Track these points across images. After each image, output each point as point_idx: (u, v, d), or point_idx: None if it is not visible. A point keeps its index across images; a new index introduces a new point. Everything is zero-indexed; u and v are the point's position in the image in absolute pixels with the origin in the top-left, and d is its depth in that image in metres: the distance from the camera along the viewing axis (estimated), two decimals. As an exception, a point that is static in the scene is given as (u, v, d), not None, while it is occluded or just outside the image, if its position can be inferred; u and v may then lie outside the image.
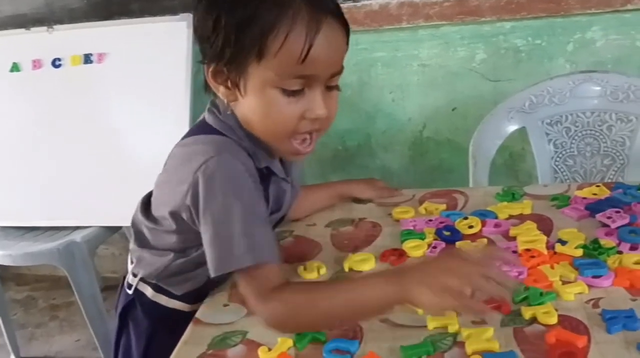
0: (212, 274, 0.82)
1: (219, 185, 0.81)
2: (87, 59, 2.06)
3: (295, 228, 1.15)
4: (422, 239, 1.03)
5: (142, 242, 1.00)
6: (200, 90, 2.03)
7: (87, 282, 1.97)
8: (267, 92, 0.82)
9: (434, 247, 1.01)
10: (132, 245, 1.03)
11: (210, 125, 0.89)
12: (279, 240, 1.11)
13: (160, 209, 0.93)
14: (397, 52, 1.95)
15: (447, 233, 1.04)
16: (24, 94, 2.11)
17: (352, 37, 1.91)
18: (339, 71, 0.85)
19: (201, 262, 0.86)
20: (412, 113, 2.00)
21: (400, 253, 1.01)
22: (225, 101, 0.87)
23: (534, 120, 1.68)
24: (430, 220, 1.09)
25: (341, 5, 1.87)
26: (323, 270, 0.99)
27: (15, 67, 2.11)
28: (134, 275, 1.03)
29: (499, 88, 1.90)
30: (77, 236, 1.96)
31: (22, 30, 2.16)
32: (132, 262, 1.04)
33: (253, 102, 0.83)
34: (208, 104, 0.93)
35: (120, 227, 2.10)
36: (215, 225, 0.81)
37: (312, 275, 0.98)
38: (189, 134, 0.92)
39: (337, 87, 0.87)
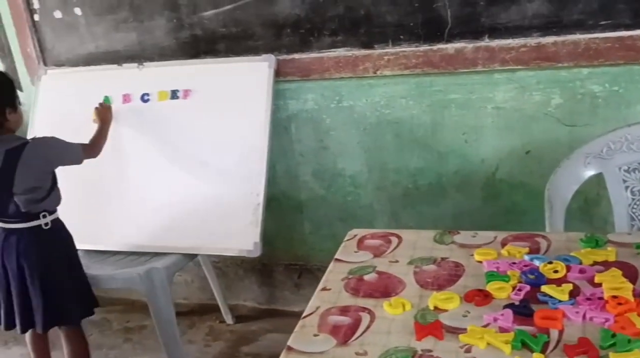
0: None
1: None
2: (174, 94, 2.19)
3: (378, 264, 1.19)
4: (507, 281, 1.05)
5: None
6: (278, 128, 2.14)
7: (165, 307, 2.04)
8: None
9: (519, 290, 1.03)
10: None
11: None
12: (362, 275, 1.16)
13: None
14: (472, 95, 1.98)
15: (531, 276, 1.06)
16: (113, 125, 2.24)
17: (426, 78, 1.99)
18: None
19: None
20: (486, 155, 2.02)
21: (486, 295, 1.03)
22: None
23: (611, 167, 1.67)
24: (514, 263, 1.11)
25: (418, 48, 1.94)
26: (408, 307, 1.03)
27: (106, 100, 2.26)
28: None
29: (575, 133, 1.90)
30: (158, 262, 2.04)
31: (115, 66, 2.31)
32: None
33: None
34: None
35: (196, 255, 2.19)
36: None
37: (397, 311, 1.02)
38: None
39: None
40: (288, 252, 2.43)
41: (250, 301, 2.59)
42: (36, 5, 2.38)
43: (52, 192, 1.88)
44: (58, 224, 1.92)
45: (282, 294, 2.53)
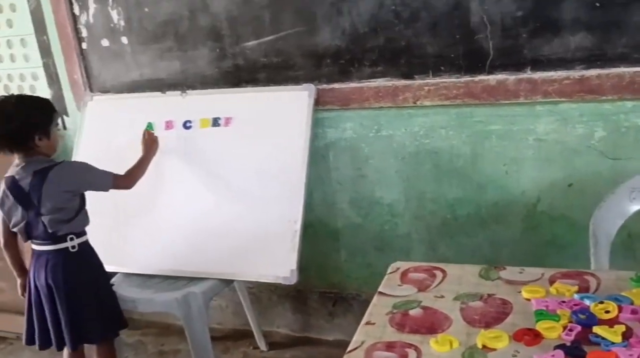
0: None
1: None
2: (215, 122, 2.22)
3: (423, 299, 1.19)
4: (557, 321, 1.04)
5: None
6: (316, 156, 2.15)
7: (200, 332, 2.06)
8: None
9: (570, 330, 1.01)
10: None
11: None
12: (407, 310, 1.15)
13: None
14: (513, 126, 1.97)
15: (582, 316, 1.04)
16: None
17: (467, 109, 1.99)
18: None
19: None
20: (526, 186, 2.00)
21: (535, 334, 1.02)
22: None
23: (657, 202, 1.65)
24: (564, 302, 1.10)
25: (459, 79, 1.95)
26: (456, 344, 1.02)
27: (149, 127, 2.31)
28: None
29: (619, 166, 1.87)
30: (195, 287, 2.07)
31: (159, 93, 2.36)
32: None
33: None
34: None
35: (232, 281, 2.20)
36: None
37: (444, 348, 1.01)
38: None
39: None
40: (323, 279, 2.43)
41: (283, 328, 2.58)
42: (84, 34, 2.45)
43: (79, 214, 1.93)
44: (86, 248, 1.97)
45: (316, 322, 2.52)
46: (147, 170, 2.12)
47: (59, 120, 2.47)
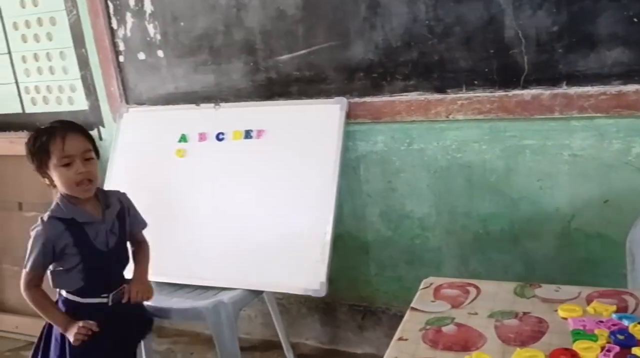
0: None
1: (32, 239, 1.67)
2: (248, 134, 2.25)
3: (457, 316, 1.18)
4: (594, 341, 1.02)
5: None
6: (347, 169, 2.16)
7: (230, 342, 2.07)
8: (56, 170, 1.65)
9: (608, 350, 0.99)
10: None
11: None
12: (440, 326, 1.14)
13: None
14: (547, 141, 1.95)
15: (621, 337, 1.02)
16: (188, 162, 2.32)
17: (500, 124, 1.98)
18: (86, 151, 1.68)
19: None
20: (561, 203, 1.98)
21: (572, 354, 1.00)
22: (51, 187, 1.71)
23: (697, 220, 1.61)
24: (601, 322, 1.08)
25: (492, 94, 1.94)
26: (491, 363, 1.01)
27: (183, 138, 2.34)
28: None
29: (656, 183, 1.84)
30: (225, 297, 2.08)
31: (193, 105, 2.40)
32: None
33: (56, 178, 1.67)
34: None
35: (262, 292, 2.21)
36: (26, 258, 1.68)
37: (480, 367, 1.00)
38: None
39: (90, 159, 1.70)
40: (352, 292, 2.43)
41: (312, 340, 2.58)
42: (122, 47, 2.51)
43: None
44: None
45: (344, 335, 2.51)
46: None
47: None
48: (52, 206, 1.70)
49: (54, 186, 1.68)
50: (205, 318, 2.08)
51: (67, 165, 1.62)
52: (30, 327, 2.82)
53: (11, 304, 2.94)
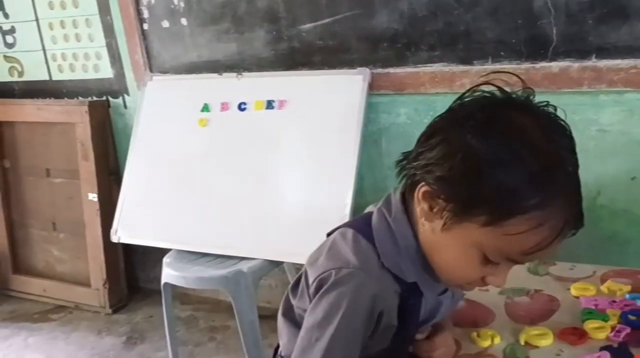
0: (284, 353, 0.86)
1: (334, 298, 0.81)
2: (270, 104, 2.24)
3: (467, 292, 1.16)
4: (605, 321, 1.00)
5: (287, 312, 0.97)
6: (368, 141, 2.13)
7: (249, 310, 2.09)
8: (469, 250, 0.77)
9: (618, 331, 0.97)
10: (279, 312, 0.99)
11: (371, 230, 0.87)
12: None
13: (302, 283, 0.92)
14: (575, 116, 1.89)
15: (632, 317, 1.00)
16: (210, 132, 2.32)
17: (526, 97, 1.90)
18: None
19: None
20: (586, 178, 1.87)
21: (582, 334, 0.98)
22: (422, 219, 0.81)
23: None
24: (614, 301, 1.05)
25: (519, 66, 1.88)
26: (497, 340, 0.99)
27: (205, 108, 2.34)
28: (277, 350, 1.01)
29: (687, 160, 1.77)
30: (244, 266, 2.10)
31: (215, 75, 2.39)
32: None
33: (449, 244, 0.79)
34: (381, 201, 0.91)
35: (282, 262, 2.22)
36: (307, 330, 0.83)
37: (486, 343, 0.99)
38: (354, 225, 0.91)
39: None
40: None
41: (332, 311, 2.59)
42: (146, 15, 2.50)
43: None
44: None
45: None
46: None
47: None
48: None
49: (425, 219, 0.82)
50: (224, 287, 2.10)
51: (492, 262, 0.80)
52: (58, 291, 2.91)
53: (39, 268, 3.02)
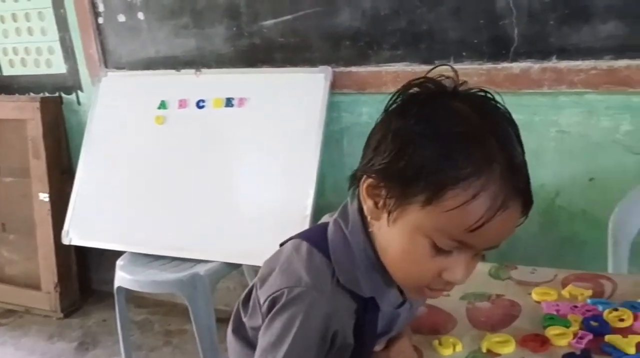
0: None
1: (286, 319, 0.77)
2: (229, 102, 2.18)
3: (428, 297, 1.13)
4: (567, 327, 0.98)
5: (237, 329, 0.91)
6: (330, 141, 2.09)
7: (205, 314, 2.04)
8: (415, 237, 0.73)
9: (580, 338, 0.95)
10: (229, 329, 0.93)
11: (327, 242, 0.82)
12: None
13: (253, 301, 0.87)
14: (535, 117, 1.90)
15: (594, 323, 0.98)
16: (168, 130, 2.26)
17: (488, 98, 1.90)
18: (497, 246, 0.76)
19: None
20: (546, 179, 1.93)
21: (543, 340, 0.96)
22: (369, 218, 0.79)
23: (683, 201, 1.56)
24: (576, 307, 1.04)
25: (481, 66, 1.88)
26: (459, 347, 0.97)
27: (162, 105, 2.27)
28: None
29: (644, 162, 1.79)
30: (201, 269, 2.04)
31: (173, 71, 2.33)
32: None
33: (396, 236, 0.75)
34: (337, 212, 0.86)
35: (240, 264, 2.17)
36: (261, 352, 0.79)
37: (447, 351, 0.96)
38: (309, 237, 0.84)
39: (483, 255, 0.78)
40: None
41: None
42: (101, 8, 2.42)
43: None
44: None
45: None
46: None
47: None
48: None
49: (372, 217, 0.79)
50: (179, 291, 2.04)
51: (443, 251, 0.74)
52: (7, 294, 2.80)
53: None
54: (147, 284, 2.07)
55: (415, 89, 0.76)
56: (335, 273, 0.79)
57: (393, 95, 0.77)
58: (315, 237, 0.84)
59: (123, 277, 2.07)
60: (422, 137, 0.71)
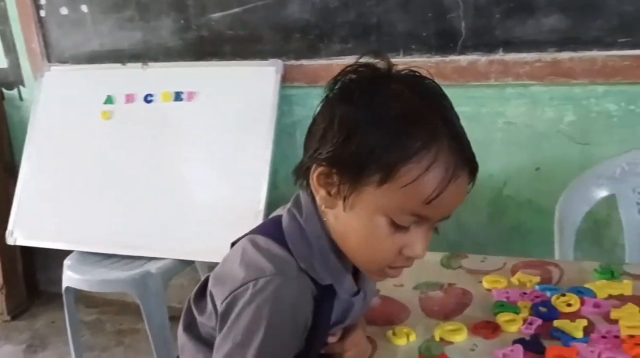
0: None
1: (254, 311, 0.75)
2: (178, 96, 2.14)
3: (382, 287, 1.14)
4: (517, 313, 1.00)
5: (189, 327, 0.89)
6: (282, 134, 2.08)
7: (158, 312, 2.01)
8: (374, 218, 0.74)
9: (530, 323, 0.98)
10: (179, 327, 0.91)
11: (282, 233, 0.82)
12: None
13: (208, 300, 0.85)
14: (482, 108, 1.93)
15: (543, 309, 1.01)
16: (115, 125, 2.20)
17: (437, 90, 1.93)
18: (449, 216, 0.78)
19: None
20: (493, 170, 1.97)
21: (494, 327, 0.98)
22: (322, 207, 0.79)
23: (624, 189, 1.62)
24: (525, 293, 1.06)
25: (429, 59, 1.90)
26: (413, 337, 0.98)
27: (109, 100, 2.22)
28: None
29: (587, 152, 1.85)
30: (152, 267, 2.01)
31: (119, 65, 2.27)
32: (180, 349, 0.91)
33: (354, 221, 0.76)
34: (290, 202, 0.86)
35: (193, 261, 2.14)
36: (231, 347, 0.75)
37: (401, 341, 0.97)
38: (263, 231, 0.84)
39: (437, 228, 0.81)
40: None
41: (247, 308, 2.53)
42: (43, 1, 2.33)
43: None
44: None
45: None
46: None
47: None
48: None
49: (326, 206, 0.80)
50: (131, 289, 2.00)
51: (401, 227, 0.76)
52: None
53: None
54: (97, 283, 2.02)
55: (352, 76, 0.77)
56: (297, 260, 0.79)
57: (330, 83, 0.78)
58: (270, 229, 0.83)
59: (71, 277, 2.01)
60: (368, 123, 0.72)
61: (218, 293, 0.80)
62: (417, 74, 0.77)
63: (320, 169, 0.76)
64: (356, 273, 0.86)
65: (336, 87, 0.78)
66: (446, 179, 0.72)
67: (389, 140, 0.71)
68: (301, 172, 0.81)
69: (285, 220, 0.83)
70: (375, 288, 1.00)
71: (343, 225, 0.78)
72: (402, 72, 0.77)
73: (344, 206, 0.76)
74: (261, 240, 0.82)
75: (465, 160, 0.75)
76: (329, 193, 0.77)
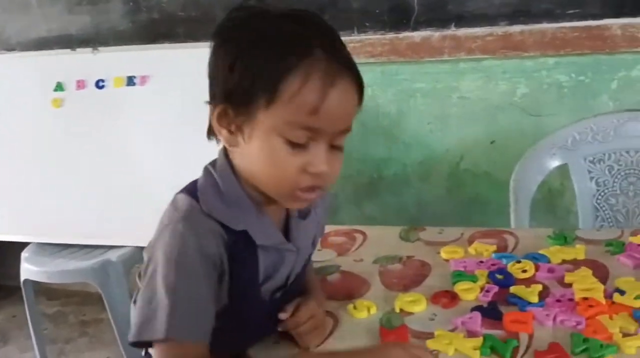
0: (129, 339, 0.79)
1: (165, 256, 0.78)
2: (130, 80, 2.10)
3: (342, 263, 1.15)
4: (474, 282, 1.02)
5: (135, 298, 0.88)
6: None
7: (120, 301, 1.98)
8: (271, 140, 0.77)
9: (487, 291, 1.00)
10: (131, 303, 0.92)
11: (196, 188, 0.85)
12: (325, 275, 1.11)
13: None
14: (437, 84, 1.95)
15: (499, 276, 1.03)
16: (66, 112, 2.14)
17: (392, 67, 1.94)
18: (347, 129, 0.80)
19: None
20: (450, 144, 2.00)
21: (453, 296, 1.00)
22: (227, 145, 0.83)
23: (576, 158, 1.66)
24: (482, 262, 1.09)
25: (384, 36, 1.90)
26: (373, 310, 0.99)
27: (59, 87, 2.16)
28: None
29: (540, 123, 1.89)
30: (113, 255, 1.98)
31: (68, 50, 2.21)
32: None
33: (255, 149, 0.78)
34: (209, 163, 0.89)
35: (154, 248, 2.12)
36: (143, 302, 0.77)
37: (362, 315, 0.98)
38: (182, 189, 0.89)
39: (341, 148, 0.82)
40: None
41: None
42: (-17, -16, 2.25)
43: None
44: None
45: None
46: None
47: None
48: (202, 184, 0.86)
49: (230, 144, 0.82)
50: (91, 279, 1.97)
51: (299, 145, 0.77)
52: None
53: None
54: (56, 275, 1.99)
55: (229, 18, 0.82)
56: (200, 206, 0.81)
57: (213, 33, 0.82)
58: (187, 187, 0.87)
59: (29, 269, 1.97)
60: (245, 50, 0.77)
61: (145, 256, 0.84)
62: (306, 11, 0.81)
63: (217, 110, 0.80)
64: (287, 226, 0.89)
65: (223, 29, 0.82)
66: (326, 86, 0.75)
67: (267, 60, 0.75)
68: (210, 129, 0.84)
69: (200, 177, 0.88)
70: (312, 248, 0.97)
71: (248, 159, 0.80)
72: (279, 9, 0.80)
73: (243, 138, 0.79)
74: (178, 197, 0.86)
75: (343, 67, 0.77)
76: (229, 131, 0.80)
